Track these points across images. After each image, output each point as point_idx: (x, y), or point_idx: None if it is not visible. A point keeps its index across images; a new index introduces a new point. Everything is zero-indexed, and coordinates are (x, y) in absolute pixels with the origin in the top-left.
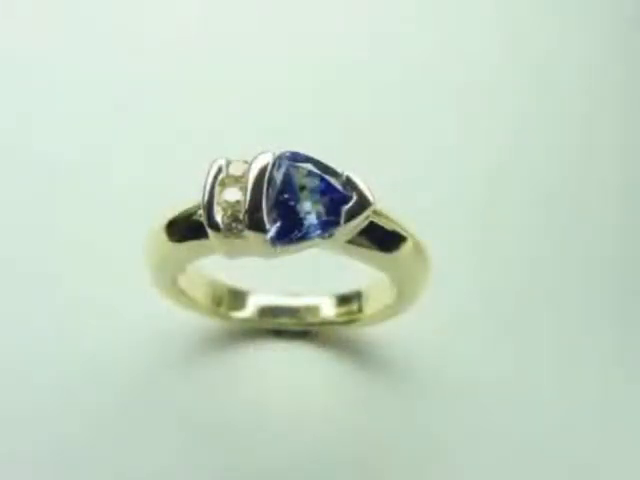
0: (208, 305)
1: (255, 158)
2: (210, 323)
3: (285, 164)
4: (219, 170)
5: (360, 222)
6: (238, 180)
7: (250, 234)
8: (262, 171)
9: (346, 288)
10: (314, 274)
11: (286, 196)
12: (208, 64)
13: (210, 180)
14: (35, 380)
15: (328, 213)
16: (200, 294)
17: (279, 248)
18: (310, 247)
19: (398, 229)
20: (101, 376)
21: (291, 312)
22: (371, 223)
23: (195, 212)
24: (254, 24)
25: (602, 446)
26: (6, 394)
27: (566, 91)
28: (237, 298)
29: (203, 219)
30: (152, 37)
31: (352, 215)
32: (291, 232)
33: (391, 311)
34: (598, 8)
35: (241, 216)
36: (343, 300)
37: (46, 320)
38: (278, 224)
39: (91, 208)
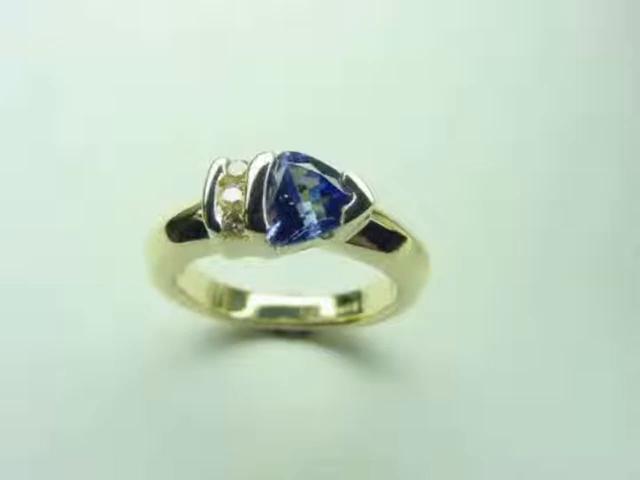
0: (208, 305)
1: (255, 158)
2: (210, 323)
3: (285, 164)
4: (219, 170)
5: (360, 222)
6: (238, 180)
7: (250, 234)
8: (262, 171)
9: (346, 288)
10: (314, 274)
11: (286, 196)
12: (209, 64)
13: (210, 180)
14: (35, 380)
15: (328, 213)
16: (200, 294)
17: (279, 248)
18: (310, 247)
19: (398, 229)
20: (101, 376)
21: (291, 312)
22: (371, 223)
23: (195, 212)
24: (255, 24)
25: (603, 446)
26: (7, 394)
27: (567, 92)
28: (237, 298)
29: (203, 219)
30: (154, 37)
31: (352, 215)
32: (291, 232)
33: (391, 311)
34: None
35: (241, 216)
36: (343, 300)
37: (46, 320)
38: (278, 224)
39: (91, 208)
